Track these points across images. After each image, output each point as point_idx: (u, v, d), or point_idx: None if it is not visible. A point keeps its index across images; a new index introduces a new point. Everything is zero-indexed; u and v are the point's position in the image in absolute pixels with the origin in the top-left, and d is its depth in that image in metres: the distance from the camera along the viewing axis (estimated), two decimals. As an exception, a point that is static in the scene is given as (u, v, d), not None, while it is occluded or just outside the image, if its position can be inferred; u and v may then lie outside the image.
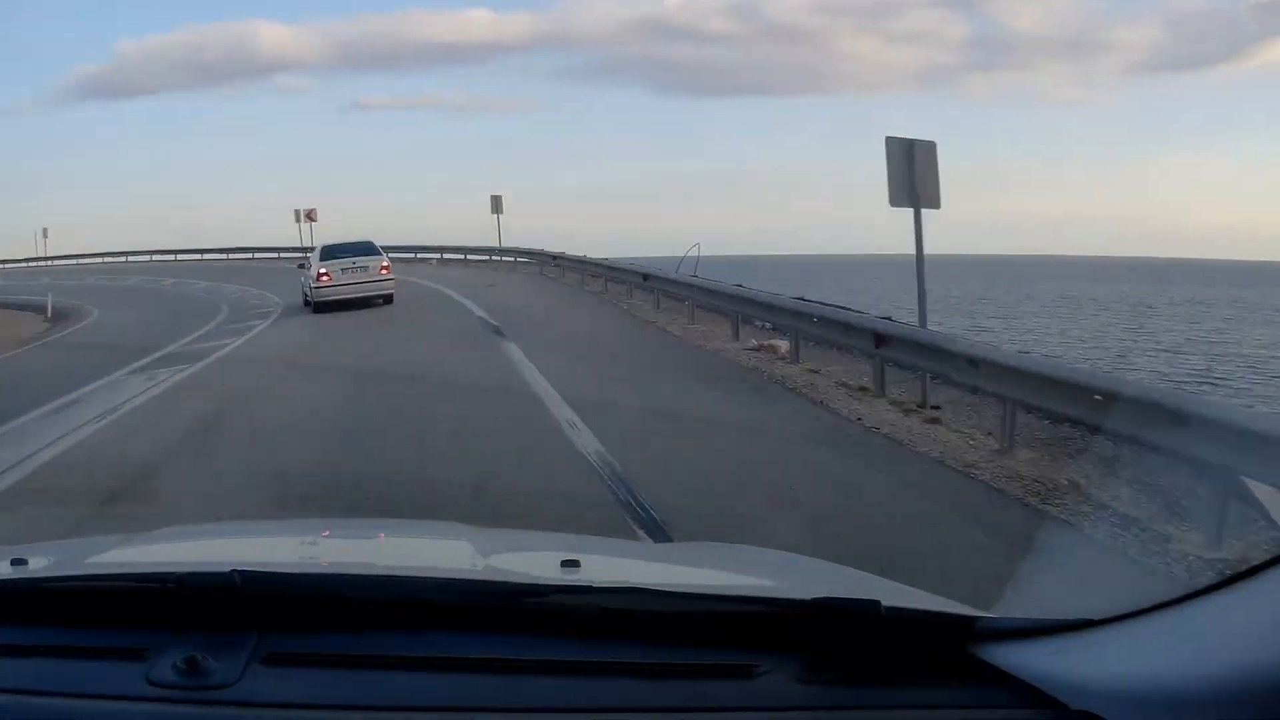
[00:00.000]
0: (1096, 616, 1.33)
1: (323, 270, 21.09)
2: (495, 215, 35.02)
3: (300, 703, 1.30)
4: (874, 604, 1.39)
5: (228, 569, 1.40)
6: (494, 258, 33.53)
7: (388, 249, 23.07)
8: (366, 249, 22.03)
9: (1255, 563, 1.12)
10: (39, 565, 1.73)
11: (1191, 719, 1.12)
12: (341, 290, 20.88)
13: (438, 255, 36.45)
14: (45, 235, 50.96)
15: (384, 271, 21.45)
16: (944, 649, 1.42)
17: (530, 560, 2.09)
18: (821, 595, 1.42)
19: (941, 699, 1.37)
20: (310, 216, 41.11)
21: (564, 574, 1.69)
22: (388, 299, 21.19)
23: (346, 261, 21.23)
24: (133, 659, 1.34)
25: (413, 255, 35.79)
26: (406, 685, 1.35)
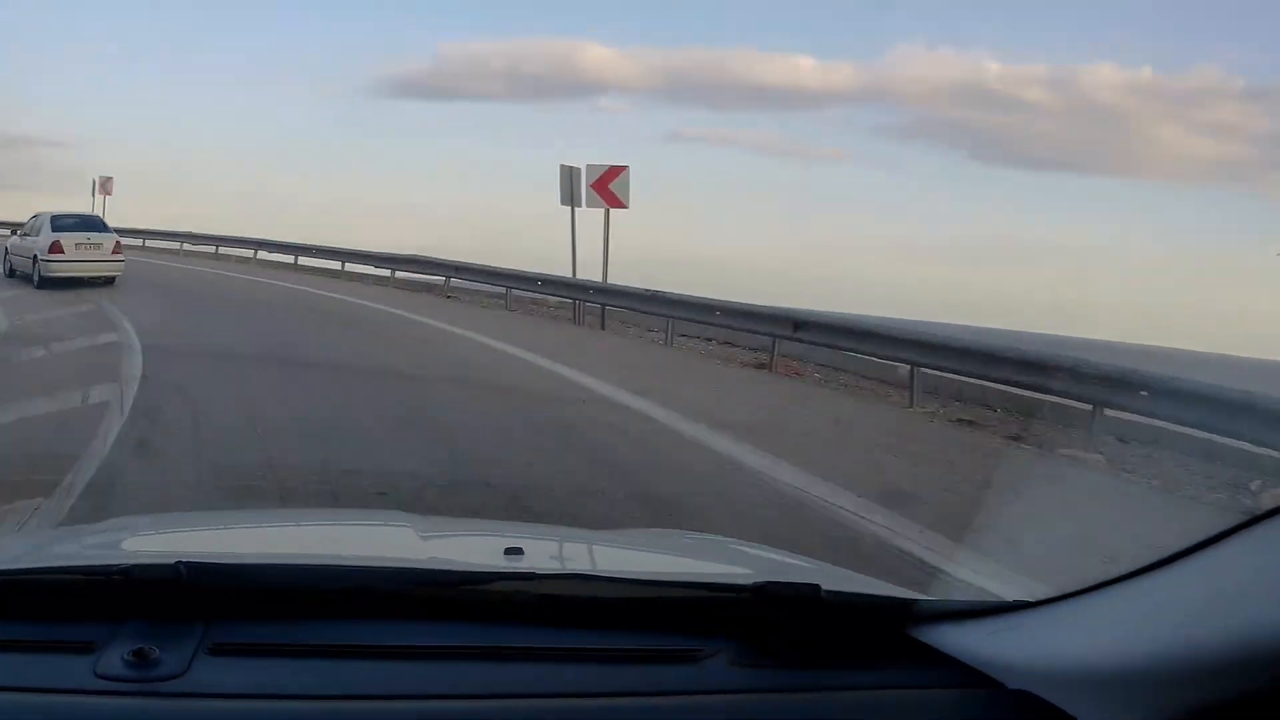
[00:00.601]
0: (1032, 599, 1.39)
1: (55, 241, 19.08)
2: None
3: (247, 693, 1.29)
4: (814, 588, 1.43)
5: (172, 560, 1.38)
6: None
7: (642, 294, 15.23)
8: (97, 224, 20.56)
9: (1186, 545, 1.17)
10: None
11: (1125, 697, 1.17)
12: (75, 267, 19.11)
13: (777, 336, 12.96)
14: (103, 188, 34.17)
15: (116, 252, 19.98)
16: (884, 632, 1.47)
17: (474, 548, 2.11)
18: (763, 580, 1.46)
19: (882, 680, 1.42)
20: (616, 193, 17.10)
21: (507, 561, 1.70)
22: (110, 281, 19.50)
23: (80, 236, 19.52)
24: (80, 652, 1.32)
25: (648, 292, 15.36)
26: (351, 674, 1.35)
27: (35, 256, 19.39)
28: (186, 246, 30.80)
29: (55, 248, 19.04)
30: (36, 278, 19.24)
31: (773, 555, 2.24)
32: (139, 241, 31.33)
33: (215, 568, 1.44)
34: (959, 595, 1.55)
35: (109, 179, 34.11)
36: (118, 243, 20.31)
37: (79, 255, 19.27)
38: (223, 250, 29.89)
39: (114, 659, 1.29)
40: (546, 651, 1.41)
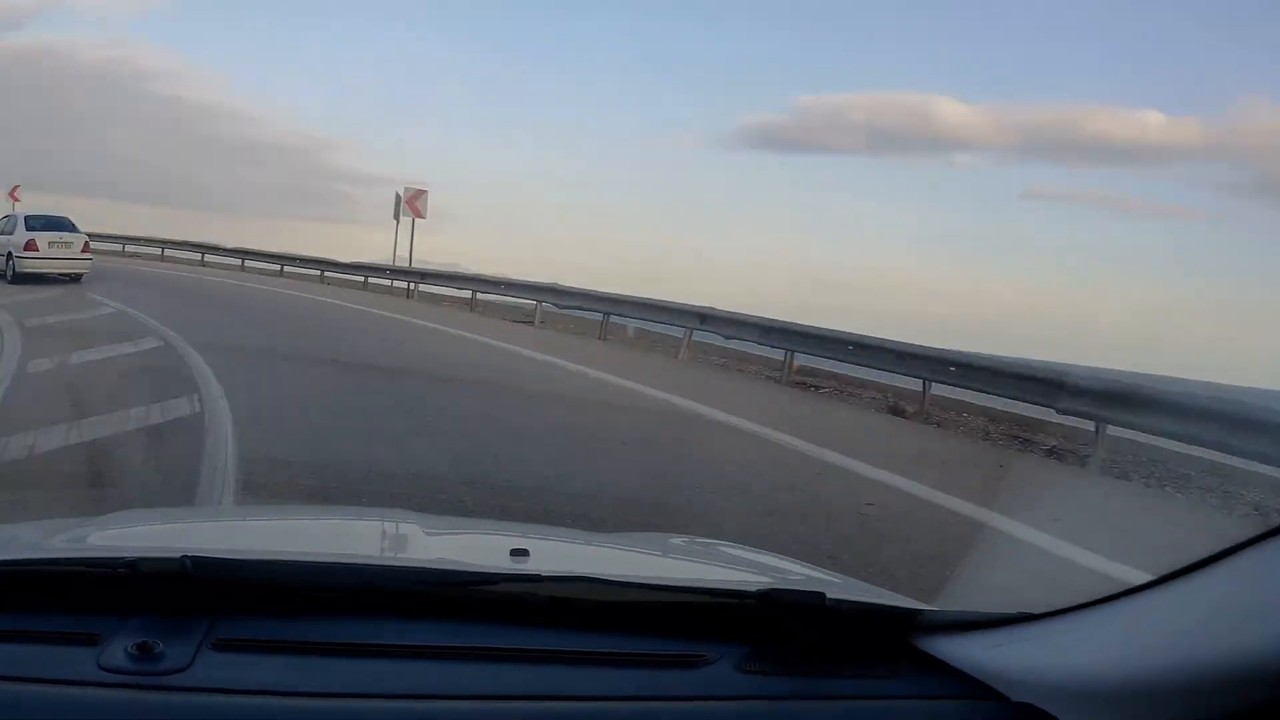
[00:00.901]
0: (1037, 611, 1.39)
1: (30, 239, 20.74)
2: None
3: (251, 688, 1.29)
4: (819, 596, 1.43)
5: (178, 554, 1.38)
6: None
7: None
8: (67, 225, 21.96)
9: (1190, 561, 1.17)
10: None
11: (1129, 712, 1.17)
12: (47, 263, 20.83)
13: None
14: (410, 205, 25.04)
15: (85, 250, 21.70)
16: (887, 641, 1.47)
17: (480, 549, 2.10)
18: (768, 587, 1.47)
19: (885, 690, 1.42)
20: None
21: (513, 563, 1.70)
22: (76, 278, 21.08)
23: (53, 235, 21.21)
24: (84, 644, 1.32)
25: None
26: (355, 672, 1.34)
27: (9, 253, 20.89)
28: (550, 306, 19.16)
29: (30, 245, 20.70)
30: (10, 273, 20.74)
31: (778, 562, 2.25)
32: (466, 293, 21.75)
33: (221, 562, 1.44)
34: (964, 606, 1.55)
35: (420, 193, 24.75)
36: (86, 243, 21.89)
37: (52, 252, 20.96)
38: (582, 312, 18.40)
39: (118, 651, 1.29)
40: (551, 654, 1.41)
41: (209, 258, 31.51)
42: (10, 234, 21.27)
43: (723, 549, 2.48)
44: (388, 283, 24.87)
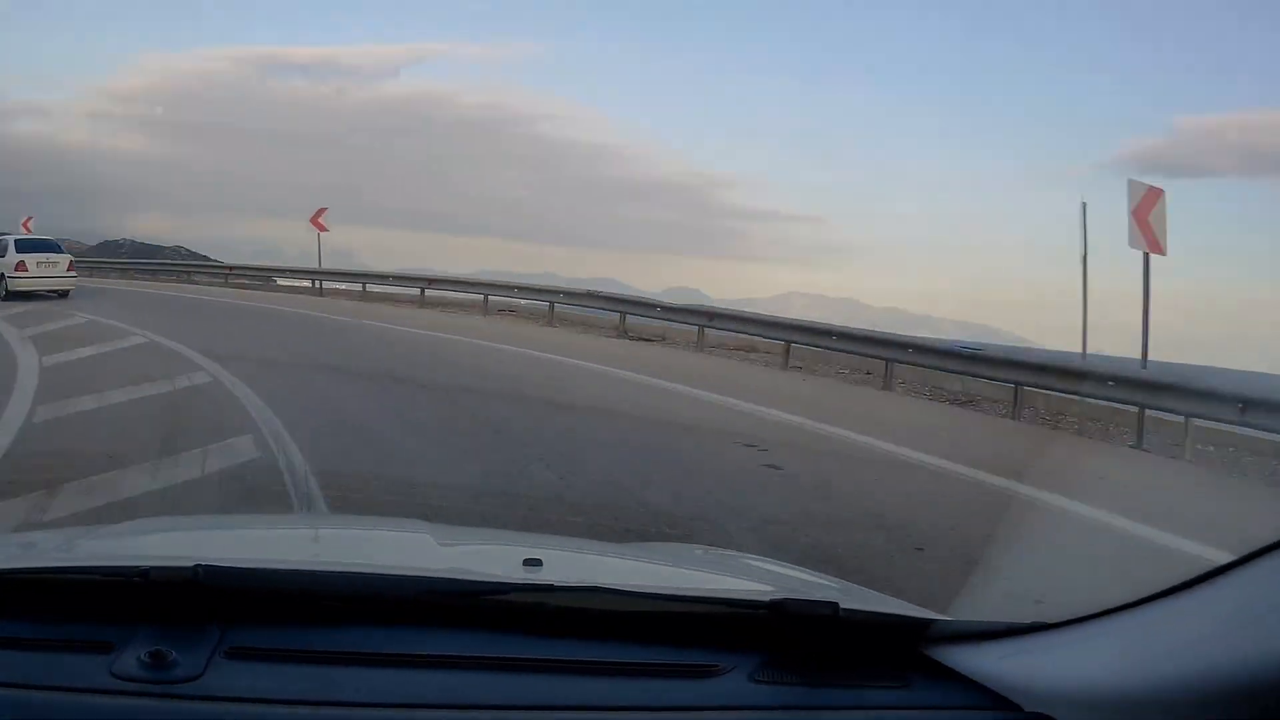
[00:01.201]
0: (1050, 620, 1.39)
1: (21, 260, 22.84)
2: None
3: (263, 697, 1.29)
4: (831, 606, 1.43)
5: (191, 563, 1.38)
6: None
7: None
8: (53, 246, 24.40)
9: (1203, 571, 1.17)
10: (1, 557, 1.69)
11: None
12: (36, 282, 22.85)
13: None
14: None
15: (70, 269, 23.87)
16: (900, 651, 1.47)
17: (492, 558, 2.09)
18: (780, 597, 1.46)
19: (898, 700, 1.41)
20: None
21: (526, 573, 1.69)
22: (63, 295, 22.99)
23: (41, 256, 23.33)
24: (97, 651, 1.32)
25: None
26: (367, 681, 1.34)
27: (2, 274, 22.92)
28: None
29: (21, 266, 22.79)
30: (4, 291, 22.55)
31: (790, 572, 2.25)
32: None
33: (233, 571, 1.44)
34: (978, 616, 1.55)
35: (1154, 194, 10.54)
36: (71, 262, 24.17)
37: (40, 272, 23.09)
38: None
39: (130, 660, 1.29)
40: (564, 664, 1.41)
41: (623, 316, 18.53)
42: (3, 256, 23.20)
43: (738, 559, 2.47)
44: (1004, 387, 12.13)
